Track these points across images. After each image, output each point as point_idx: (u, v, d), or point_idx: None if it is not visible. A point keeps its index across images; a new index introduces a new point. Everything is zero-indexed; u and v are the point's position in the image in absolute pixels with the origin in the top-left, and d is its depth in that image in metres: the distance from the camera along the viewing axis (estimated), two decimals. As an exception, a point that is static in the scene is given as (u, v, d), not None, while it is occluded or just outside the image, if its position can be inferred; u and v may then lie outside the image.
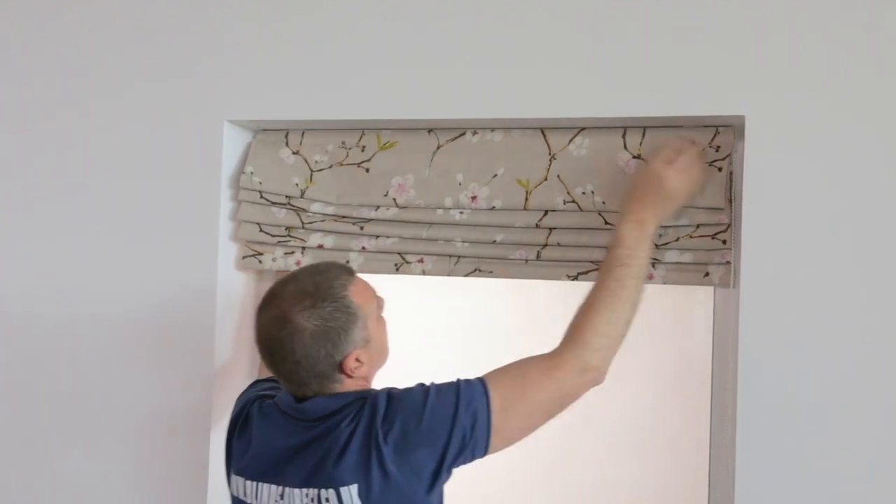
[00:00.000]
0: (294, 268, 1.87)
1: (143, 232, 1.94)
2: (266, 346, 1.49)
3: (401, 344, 1.73)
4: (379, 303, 1.54)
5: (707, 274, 1.62)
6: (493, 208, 1.74)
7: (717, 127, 1.64)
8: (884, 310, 1.51)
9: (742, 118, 1.57)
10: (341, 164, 1.85)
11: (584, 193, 1.69)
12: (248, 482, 1.51)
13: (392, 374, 1.59)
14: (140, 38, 1.94)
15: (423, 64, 1.74)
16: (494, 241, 1.74)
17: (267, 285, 1.97)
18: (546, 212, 1.71)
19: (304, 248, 1.88)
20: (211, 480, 1.88)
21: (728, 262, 1.61)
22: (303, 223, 1.88)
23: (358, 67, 1.78)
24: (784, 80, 1.55)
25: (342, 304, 1.46)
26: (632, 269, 1.50)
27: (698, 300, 1.63)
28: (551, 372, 1.46)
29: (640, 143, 1.68)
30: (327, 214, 1.86)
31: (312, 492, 1.43)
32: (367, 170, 1.84)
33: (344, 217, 1.85)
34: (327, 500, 1.41)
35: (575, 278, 1.70)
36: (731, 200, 1.63)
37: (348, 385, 1.48)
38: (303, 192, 1.87)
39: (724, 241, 1.61)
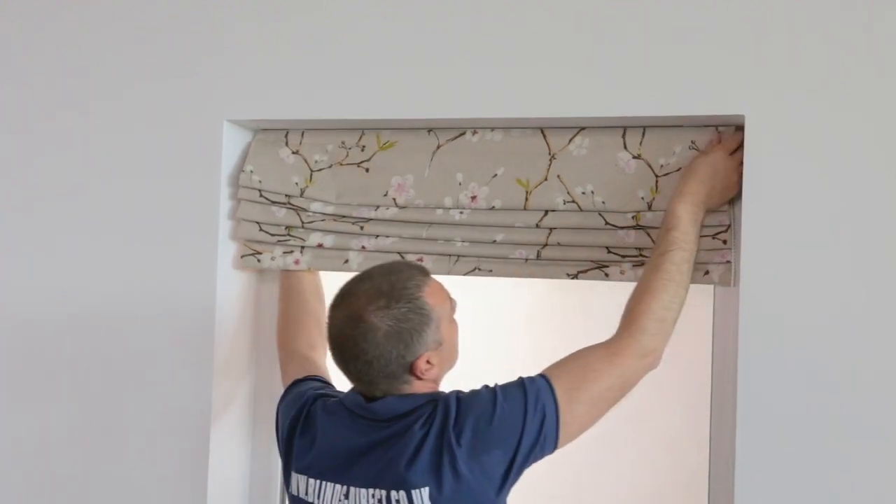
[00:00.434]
0: (293, 267, 1.87)
1: (142, 231, 1.94)
2: (338, 344, 1.48)
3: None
4: (452, 304, 1.53)
5: (707, 273, 1.62)
6: (492, 208, 1.74)
7: (717, 127, 1.64)
8: (883, 309, 1.51)
9: (742, 118, 1.57)
10: (341, 164, 1.85)
11: (584, 193, 1.69)
12: (312, 480, 1.50)
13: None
14: (140, 38, 1.94)
15: (423, 64, 1.74)
16: (494, 241, 1.74)
17: (267, 286, 1.99)
18: (546, 212, 1.71)
19: (303, 247, 1.88)
20: (211, 480, 1.88)
21: (728, 262, 1.62)
22: (302, 222, 1.87)
23: (358, 67, 1.78)
24: (784, 80, 1.55)
25: (416, 306, 1.45)
26: (687, 253, 1.53)
27: (698, 299, 1.62)
28: (612, 359, 1.48)
29: (640, 143, 1.68)
30: (327, 214, 1.86)
31: (380, 492, 1.42)
32: (367, 169, 1.84)
33: (344, 216, 1.85)
34: (398, 501, 1.41)
35: (575, 277, 1.70)
36: (731, 201, 1.63)
37: (417, 387, 1.48)
38: (302, 192, 1.87)
39: (725, 241, 1.61)
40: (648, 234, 1.66)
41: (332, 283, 1.92)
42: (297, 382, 1.69)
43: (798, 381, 1.54)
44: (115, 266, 1.95)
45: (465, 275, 1.78)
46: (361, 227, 1.83)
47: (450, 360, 1.53)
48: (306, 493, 1.50)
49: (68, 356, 1.99)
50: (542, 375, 1.47)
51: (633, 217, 1.67)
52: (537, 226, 1.71)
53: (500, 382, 1.48)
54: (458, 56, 1.72)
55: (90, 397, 1.97)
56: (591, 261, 1.70)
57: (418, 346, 1.45)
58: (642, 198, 1.66)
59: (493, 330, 2.68)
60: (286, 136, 1.91)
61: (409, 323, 1.44)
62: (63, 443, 1.99)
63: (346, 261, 1.84)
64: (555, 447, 1.44)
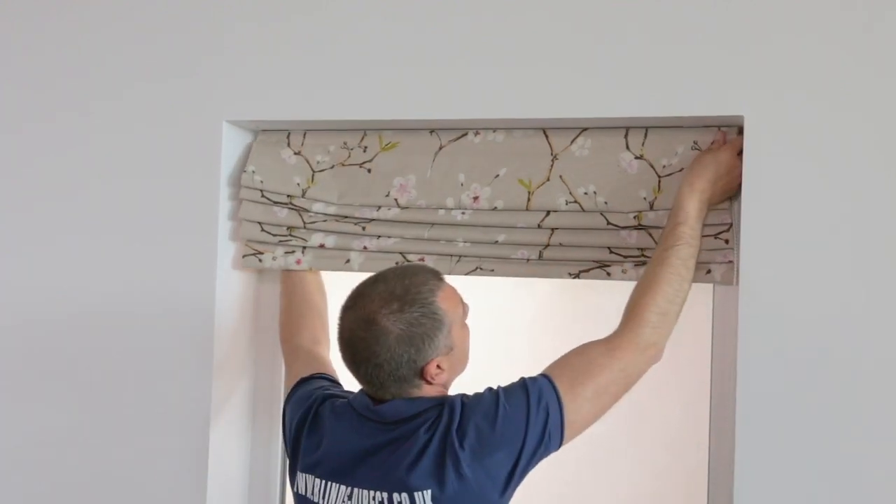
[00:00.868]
0: (294, 267, 1.87)
1: (142, 231, 1.94)
2: (349, 345, 1.48)
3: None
4: (465, 309, 1.53)
5: (709, 272, 1.63)
6: (495, 209, 1.74)
7: (719, 127, 1.65)
8: (883, 308, 1.51)
9: (741, 118, 1.58)
10: (343, 165, 1.86)
11: (586, 194, 1.70)
12: (318, 480, 1.50)
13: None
14: (140, 38, 1.94)
15: (424, 64, 1.74)
16: (496, 242, 1.74)
17: (267, 286, 1.99)
18: (548, 212, 1.71)
19: (304, 247, 1.88)
20: (211, 480, 1.88)
21: (730, 262, 1.62)
22: (304, 223, 1.87)
23: (358, 68, 1.78)
24: (784, 80, 1.56)
25: (429, 310, 1.44)
26: (693, 249, 1.55)
27: (698, 299, 1.63)
28: (613, 352, 1.48)
29: (643, 144, 1.68)
30: (329, 214, 1.86)
31: (383, 494, 1.42)
32: (369, 170, 1.84)
33: (345, 217, 1.85)
34: (400, 503, 1.41)
35: (577, 276, 1.71)
36: (731, 199, 1.63)
37: (426, 390, 1.48)
38: (304, 192, 1.87)
39: (727, 241, 1.62)
40: (650, 235, 1.67)
41: (332, 283, 1.93)
42: (303, 381, 1.68)
43: (798, 380, 1.54)
44: (115, 266, 1.95)
45: (466, 274, 1.78)
46: (363, 228, 1.83)
47: (460, 364, 1.53)
48: (312, 493, 1.51)
49: (68, 356, 1.99)
50: (543, 375, 1.48)
51: (635, 217, 1.67)
52: (539, 226, 1.72)
53: (503, 384, 1.48)
54: (460, 57, 1.72)
55: (90, 397, 1.97)
56: (594, 260, 1.70)
57: (429, 351, 1.44)
58: (644, 198, 1.67)
59: (494, 332, 2.68)
60: (288, 136, 1.91)
61: (422, 327, 1.43)
62: (63, 443, 1.99)
63: (348, 261, 1.84)
64: (560, 445, 1.45)
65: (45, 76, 2.01)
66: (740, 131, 1.61)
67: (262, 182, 1.89)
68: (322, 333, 1.84)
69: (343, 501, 1.46)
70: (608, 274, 1.69)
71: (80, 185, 1.98)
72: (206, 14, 1.89)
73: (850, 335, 1.52)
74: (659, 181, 1.67)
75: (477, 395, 1.48)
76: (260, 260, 1.91)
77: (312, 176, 1.87)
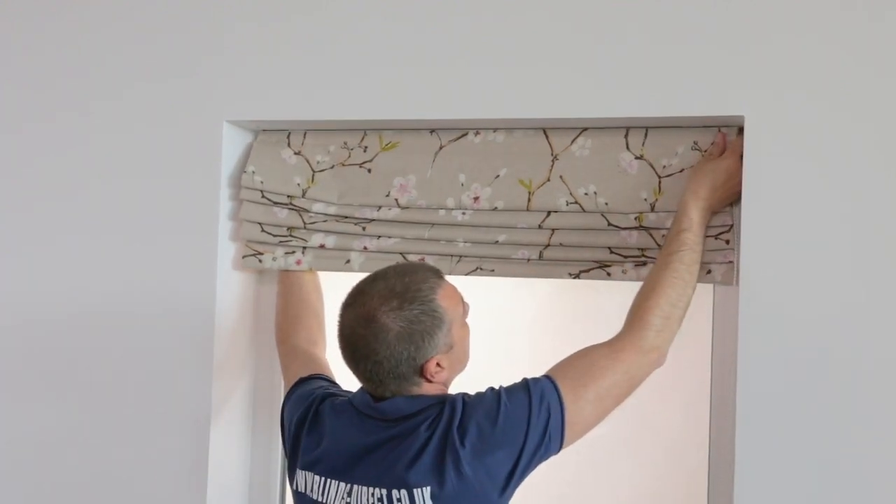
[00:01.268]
0: (294, 267, 1.87)
1: (142, 231, 1.94)
2: (348, 343, 1.48)
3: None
4: (465, 308, 1.53)
5: (710, 272, 1.63)
6: (495, 209, 1.74)
7: (719, 128, 1.65)
8: (883, 308, 1.51)
9: (742, 118, 1.58)
10: (343, 165, 1.86)
11: (586, 194, 1.70)
12: (317, 478, 1.50)
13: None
14: (140, 38, 1.94)
15: (424, 64, 1.74)
16: (497, 242, 1.74)
17: (267, 286, 1.99)
18: (549, 212, 1.71)
19: (305, 247, 1.88)
20: (210, 480, 1.88)
21: (731, 262, 1.62)
22: (304, 223, 1.87)
23: (358, 68, 1.78)
24: (784, 80, 1.56)
25: (429, 308, 1.45)
26: (697, 255, 1.55)
27: (698, 299, 1.63)
28: (616, 355, 1.49)
29: (643, 144, 1.68)
30: (329, 214, 1.86)
31: (382, 491, 1.42)
32: (370, 170, 1.84)
33: (346, 217, 1.85)
34: (399, 500, 1.41)
35: (577, 276, 1.71)
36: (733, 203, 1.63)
37: (426, 388, 1.48)
38: (304, 192, 1.87)
39: (728, 242, 1.62)
40: (651, 235, 1.67)
41: (332, 283, 1.93)
42: (303, 380, 1.69)
43: (798, 380, 1.54)
44: (115, 266, 1.95)
45: (466, 275, 1.78)
46: (363, 228, 1.83)
47: (460, 363, 1.53)
48: (311, 491, 1.51)
49: (68, 356, 1.99)
50: (546, 376, 1.48)
51: (635, 218, 1.67)
52: (540, 227, 1.72)
53: (505, 384, 1.48)
54: (461, 56, 1.72)
55: (90, 397, 1.97)
56: (594, 261, 1.70)
57: (429, 349, 1.44)
58: (645, 199, 1.67)
59: (494, 332, 2.67)
60: (288, 136, 1.91)
61: (421, 325, 1.43)
62: (63, 443, 1.99)
63: (348, 261, 1.84)
64: (560, 447, 1.45)
65: (45, 76, 2.01)
66: (740, 131, 1.61)
67: (262, 182, 1.89)
68: (319, 334, 1.84)
69: (342, 498, 1.46)
70: (608, 274, 1.69)
71: (80, 185, 1.98)
72: (206, 14, 1.89)
73: (850, 335, 1.52)
74: (659, 181, 1.67)
75: (478, 394, 1.48)
76: (260, 260, 1.91)
77: (312, 176, 1.87)
